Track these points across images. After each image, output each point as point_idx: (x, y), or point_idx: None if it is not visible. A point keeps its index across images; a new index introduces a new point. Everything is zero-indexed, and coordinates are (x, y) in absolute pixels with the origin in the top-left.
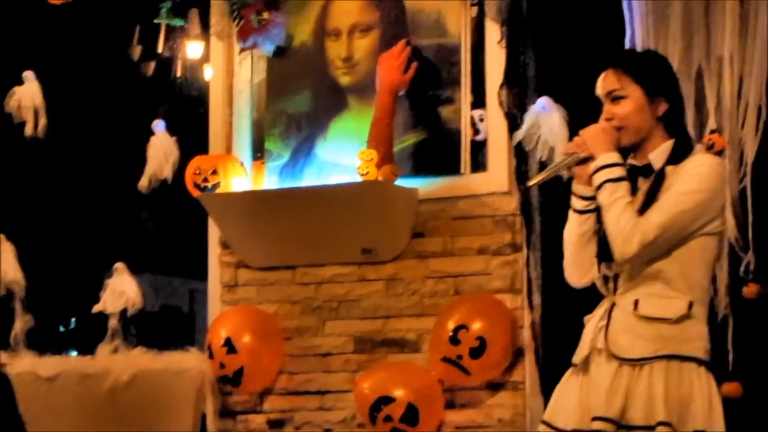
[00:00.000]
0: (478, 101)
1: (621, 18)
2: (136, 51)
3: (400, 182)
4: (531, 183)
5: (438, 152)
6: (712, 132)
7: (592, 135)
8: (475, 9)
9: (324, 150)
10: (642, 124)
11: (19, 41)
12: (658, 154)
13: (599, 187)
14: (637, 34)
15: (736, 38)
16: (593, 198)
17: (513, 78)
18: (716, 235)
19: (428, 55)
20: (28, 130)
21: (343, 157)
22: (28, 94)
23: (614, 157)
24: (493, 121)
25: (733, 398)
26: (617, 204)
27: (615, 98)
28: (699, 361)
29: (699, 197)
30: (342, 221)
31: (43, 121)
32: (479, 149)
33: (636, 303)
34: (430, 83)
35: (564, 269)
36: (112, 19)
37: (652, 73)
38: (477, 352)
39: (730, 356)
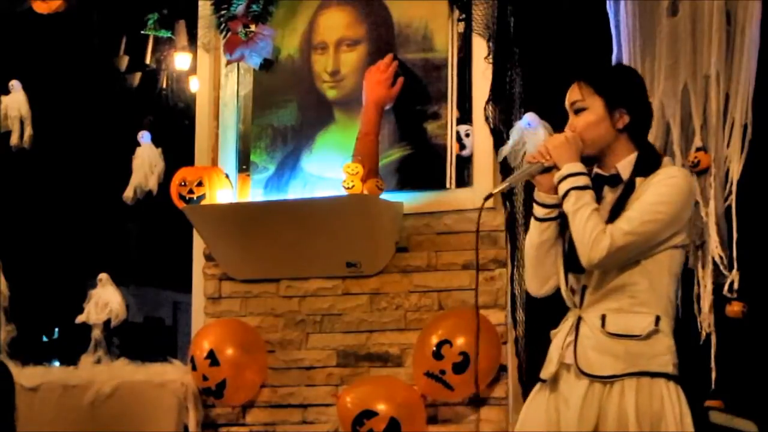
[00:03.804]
0: (464, 116)
1: (608, 35)
2: (123, 62)
3: (385, 196)
4: (494, 191)
5: (423, 167)
6: (698, 150)
7: (556, 145)
8: (462, 24)
9: (309, 163)
10: (599, 137)
11: (5, 51)
12: (624, 164)
13: (564, 195)
14: (623, 52)
15: (722, 57)
16: (554, 206)
17: (499, 94)
18: (682, 249)
19: (415, 70)
20: (14, 140)
21: (328, 170)
22: (14, 103)
23: (578, 166)
24: (479, 136)
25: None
26: (583, 210)
27: (577, 110)
28: (668, 377)
29: (669, 208)
30: (326, 235)
31: (28, 131)
32: (465, 164)
33: (603, 318)
34: (416, 98)
35: (525, 278)
36: (98, 29)
37: (614, 86)
38: (460, 368)
39: (713, 374)
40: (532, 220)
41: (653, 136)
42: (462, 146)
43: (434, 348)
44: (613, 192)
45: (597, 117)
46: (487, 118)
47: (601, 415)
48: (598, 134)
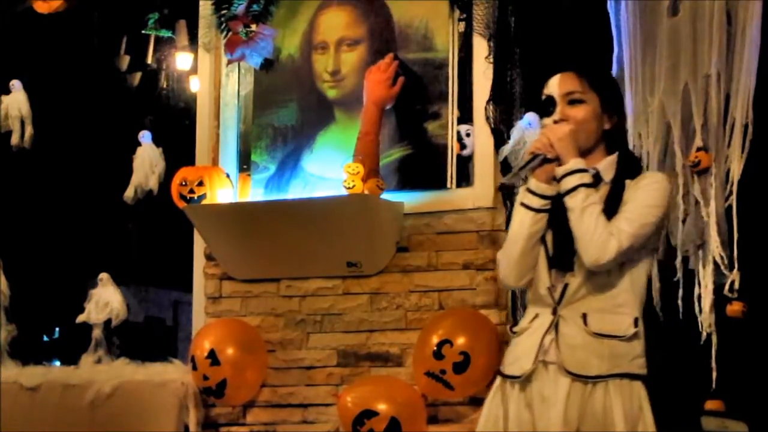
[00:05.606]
0: (465, 116)
1: (608, 35)
2: (124, 62)
3: (385, 196)
4: (504, 181)
5: (424, 167)
6: (699, 150)
7: (560, 137)
8: (462, 24)
9: (310, 163)
10: (592, 133)
11: (6, 50)
12: (606, 165)
13: (571, 190)
14: (624, 52)
15: (722, 56)
16: (551, 198)
17: (500, 93)
18: (654, 251)
19: (415, 70)
20: (15, 140)
21: (329, 170)
22: (14, 103)
23: (583, 162)
24: (480, 136)
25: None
26: (592, 209)
27: (573, 101)
28: (643, 378)
29: (660, 212)
30: (327, 234)
31: (29, 131)
32: (465, 164)
33: (584, 317)
34: (417, 98)
35: (500, 268)
36: (99, 29)
37: (609, 87)
38: (460, 367)
39: (714, 374)
40: (524, 211)
41: (654, 136)
42: (462, 146)
43: (435, 348)
44: (596, 191)
45: (594, 112)
46: (487, 118)
47: (583, 415)
48: (592, 130)
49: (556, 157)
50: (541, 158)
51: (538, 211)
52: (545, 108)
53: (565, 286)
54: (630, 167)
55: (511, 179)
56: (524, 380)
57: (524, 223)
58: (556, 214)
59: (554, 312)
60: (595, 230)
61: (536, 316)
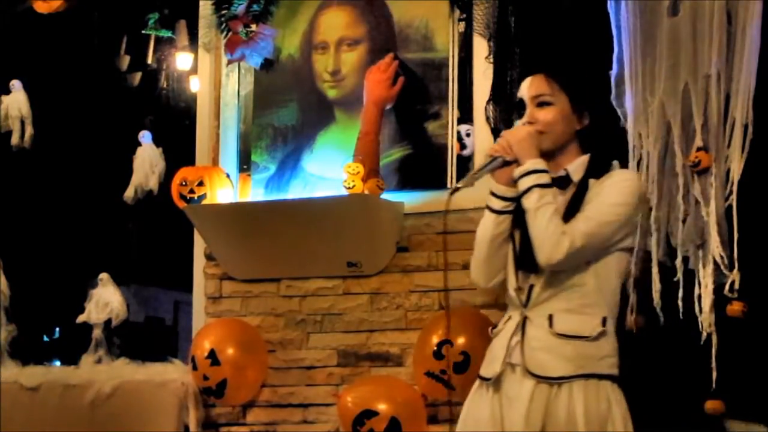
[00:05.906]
0: (465, 116)
1: (608, 35)
2: (124, 62)
3: (385, 196)
4: (460, 185)
5: (424, 167)
6: (699, 150)
7: (520, 139)
8: (462, 24)
9: (310, 163)
10: (562, 134)
11: (6, 50)
12: (576, 166)
13: (526, 191)
14: (624, 52)
15: (723, 56)
16: (512, 200)
17: (500, 93)
18: (629, 252)
19: (416, 70)
20: (15, 140)
21: (329, 170)
22: (14, 103)
23: (541, 163)
24: (480, 136)
25: (716, 416)
26: (545, 209)
27: (541, 103)
28: (613, 378)
29: (624, 210)
30: (327, 234)
31: (29, 131)
32: (465, 164)
33: (550, 319)
34: (417, 98)
35: (471, 270)
36: (99, 29)
37: (580, 86)
38: (461, 368)
39: (714, 374)
40: (487, 212)
41: (654, 136)
42: (463, 146)
43: (435, 348)
44: (562, 193)
45: (563, 113)
46: (487, 118)
47: (549, 417)
48: (561, 131)
49: (515, 159)
50: (500, 160)
51: (499, 212)
52: (518, 111)
53: (531, 288)
54: (599, 167)
55: (468, 182)
56: (495, 381)
57: (487, 225)
58: (522, 215)
59: (522, 313)
60: (546, 230)
61: (510, 317)
